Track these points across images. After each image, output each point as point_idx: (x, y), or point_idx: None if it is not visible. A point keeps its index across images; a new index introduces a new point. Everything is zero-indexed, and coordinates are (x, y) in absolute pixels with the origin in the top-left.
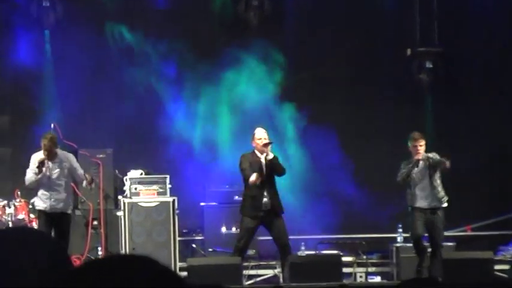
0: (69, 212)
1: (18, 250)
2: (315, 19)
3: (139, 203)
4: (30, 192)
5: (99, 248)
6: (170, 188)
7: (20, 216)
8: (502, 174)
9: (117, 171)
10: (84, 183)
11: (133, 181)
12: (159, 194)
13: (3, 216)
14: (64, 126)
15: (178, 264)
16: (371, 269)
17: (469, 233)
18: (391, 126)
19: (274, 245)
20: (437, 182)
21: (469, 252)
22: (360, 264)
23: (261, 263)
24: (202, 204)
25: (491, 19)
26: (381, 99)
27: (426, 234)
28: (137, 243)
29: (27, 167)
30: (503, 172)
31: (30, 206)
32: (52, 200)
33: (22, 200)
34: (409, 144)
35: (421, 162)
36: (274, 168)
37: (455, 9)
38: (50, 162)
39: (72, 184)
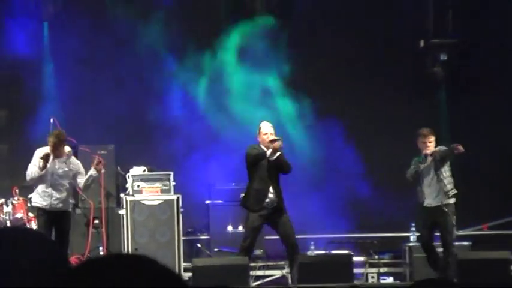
0: (70, 210)
1: (16, 251)
2: (327, 10)
3: (142, 201)
4: (29, 190)
5: (100, 248)
6: (174, 186)
7: (18, 215)
8: None
9: (119, 167)
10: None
11: (136, 178)
12: (162, 191)
13: (1, 215)
14: (63, 121)
15: (183, 264)
16: (383, 270)
17: (486, 231)
18: (404, 122)
19: (282, 244)
20: (445, 174)
21: (485, 252)
22: (371, 265)
23: (269, 263)
24: (207, 202)
25: (510, 7)
26: (393, 94)
27: (438, 234)
28: (140, 243)
29: (25, 163)
30: None
31: (29, 204)
32: (53, 198)
33: (20, 198)
34: (419, 140)
35: (429, 157)
36: (280, 166)
37: None
38: (56, 161)
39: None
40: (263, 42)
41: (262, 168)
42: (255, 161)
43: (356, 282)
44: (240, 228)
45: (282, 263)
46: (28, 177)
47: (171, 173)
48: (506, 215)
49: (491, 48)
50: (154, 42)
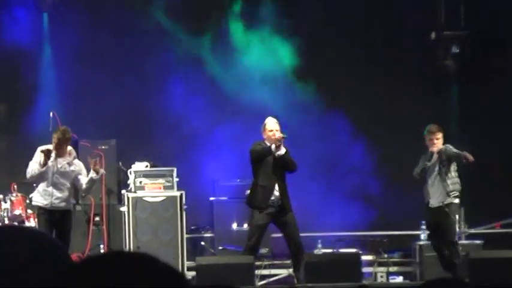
0: (71, 209)
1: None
2: (336, 2)
3: (144, 198)
4: (28, 186)
5: (102, 246)
6: (177, 182)
7: (17, 212)
8: None
9: (120, 163)
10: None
11: (138, 174)
12: (165, 188)
13: None
14: (63, 115)
15: (186, 263)
16: (392, 269)
17: (497, 229)
18: (415, 117)
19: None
20: (449, 175)
21: (497, 250)
22: (380, 264)
23: (275, 262)
24: (211, 199)
25: None
26: (403, 88)
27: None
28: (142, 241)
29: (24, 159)
30: None
31: (28, 201)
32: (54, 197)
33: (19, 195)
34: (426, 137)
35: (435, 155)
36: (285, 164)
37: None
38: (58, 160)
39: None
40: (272, 33)
41: (267, 165)
42: (260, 157)
43: (365, 281)
44: (245, 225)
45: (289, 261)
46: (28, 175)
47: (174, 169)
48: None
49: (504, 41)
50: (156, 34)
